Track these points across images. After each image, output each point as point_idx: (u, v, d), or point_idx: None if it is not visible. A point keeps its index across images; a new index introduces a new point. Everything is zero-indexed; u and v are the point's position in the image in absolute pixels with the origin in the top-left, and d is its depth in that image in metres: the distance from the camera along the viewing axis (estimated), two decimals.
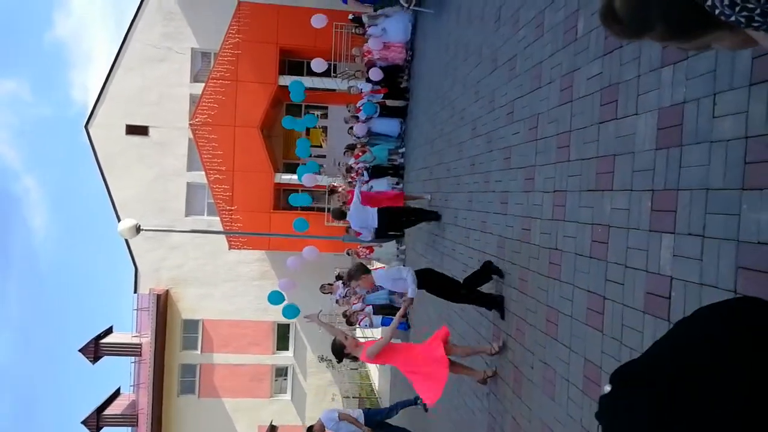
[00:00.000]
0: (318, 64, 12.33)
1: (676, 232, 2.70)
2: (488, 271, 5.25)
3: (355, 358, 6.35)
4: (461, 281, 5.42)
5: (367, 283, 5.61)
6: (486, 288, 5.39)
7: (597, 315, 3.32)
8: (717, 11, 0.77)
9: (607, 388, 0.86)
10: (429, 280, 5.40)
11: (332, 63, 15.69)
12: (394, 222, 8.51)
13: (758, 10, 0.73)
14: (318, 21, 12.06)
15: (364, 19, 12.27)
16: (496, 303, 5.10)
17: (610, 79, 3.34)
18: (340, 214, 8.95)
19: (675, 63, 2.78)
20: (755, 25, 0.76)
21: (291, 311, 10.93)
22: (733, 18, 0.76)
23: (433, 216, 8.16)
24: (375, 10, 12.95)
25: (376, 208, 8.06)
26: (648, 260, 2.89)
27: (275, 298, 10.90)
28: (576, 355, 3.56)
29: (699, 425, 0.73)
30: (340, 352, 5.36)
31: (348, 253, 14.40)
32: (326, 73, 13.87)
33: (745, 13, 0.75)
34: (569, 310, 3.68)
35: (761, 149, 2.25)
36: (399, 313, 5.23)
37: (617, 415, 0.83)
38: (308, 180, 12.38)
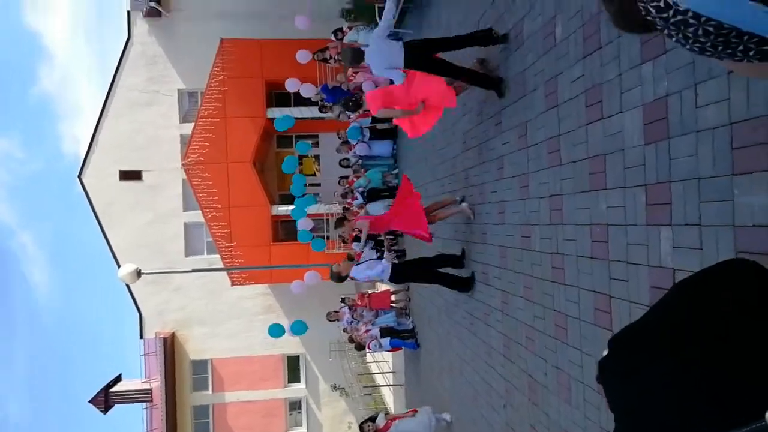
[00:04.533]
0: (307, 89, 12.47)
1: (673, 223, 2.72)
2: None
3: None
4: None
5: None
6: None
7: (605, 314, 3.32)
8: (674, 39, 0.83)
9: (605, 353, 0.89)
10: None
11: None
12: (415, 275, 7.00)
13: (709, 44, 0.79)
14: (303, 57, 12.25)
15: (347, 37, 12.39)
16: None
17: (593, 80, 3.40)
18: (339, 279, 6.99)
19: (654, 58, 2.83)
20: (707, 54, 0.82)
21: (299, 327, 10.72)
22: (688, 47, 0.82)
23: (458, 261, 6.53)
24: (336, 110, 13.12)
25: (390, 264, 6.61)
26: (649, 255, 2.90)
27: (276, 330, 10.79)
28: (588, 357, 3.55)
29: (686, 381, 0.74)
30: (341, 221, 6.19)
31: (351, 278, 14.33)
32: (314, 102, 13.99)
33: (698, 45, 0.80)
34: (577, 313, 3.68)
35: (746, 134, 2.28)
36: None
37: (615, 375, 0.85)
38: (304, 224, 12.43)
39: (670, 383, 0.78)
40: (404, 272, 6.90)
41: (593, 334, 3.46)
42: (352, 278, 6.90)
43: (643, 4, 0.81)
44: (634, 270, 3.03)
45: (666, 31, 0.82)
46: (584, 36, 3.50)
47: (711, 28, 0.76)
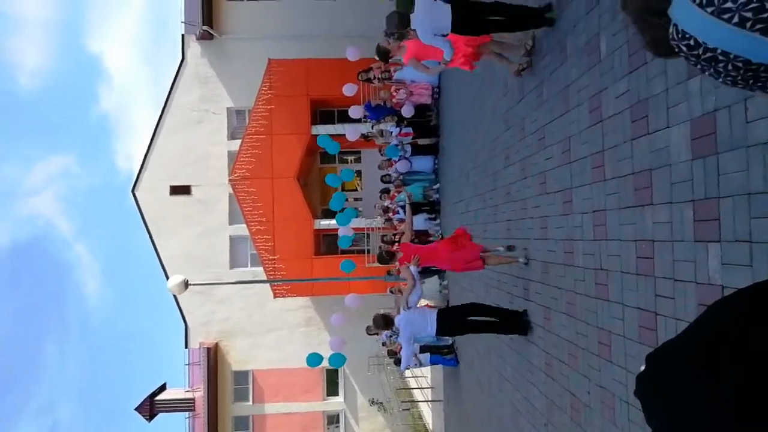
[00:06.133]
0: (355, 111, 12.79)
1: (722, 240, 2.67)
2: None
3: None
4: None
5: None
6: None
7: (650, 332, 3.26)
8: (707, 73, 0.87)
9: (642, 368, 0.91)
10: None
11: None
12: (464, 326, 6.27)
13: (739, 77, 0.83)
14: (349, 90, 12.56)
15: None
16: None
17: (639, 96, 3.38)
18: (385, 323, 6.44)
19: (702, 73, 2.81)
20: (739, 86, 0.86)
21: (338, 360, 10.84)
22: (720, 80, 0.86)
23: (516, 322, 5.80)
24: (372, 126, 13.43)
25: (435, 312, 6.11)
26: (696, 271, 2.85)
27: (314, 360, 10.75)
28: (633, 376, 3.47)
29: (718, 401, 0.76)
30: (385, 54, 5.85)
31: (391, 291, 14.40)
32: (357, 120, 14.26)
33: (729, 79, 0.85)
34: (621, 330, 3.62)
35: None
36: None
37: (652, 391, 0.87)
38: (345, 231, 12.82)
39: (702, 401, 0.80)
40: (453, 325, 6.21)
41: (638, 352, 3.40)
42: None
43: (675, 42, 0.85)
44: (681, 287, 2.97)
45: (698, 66, 0.87)
46: (629, 52, 3.50)
47: (740, 64, 0.80)
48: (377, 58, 11.78)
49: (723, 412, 0.75)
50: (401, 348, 11.00)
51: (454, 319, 6.12)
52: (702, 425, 0.79)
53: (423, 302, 13.57)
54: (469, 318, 6.14)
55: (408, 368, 10.36)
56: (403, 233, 10.76)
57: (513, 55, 5.55)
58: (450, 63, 5.30)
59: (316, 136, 17.23)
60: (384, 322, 6.42)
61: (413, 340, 6.41)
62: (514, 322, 5.76)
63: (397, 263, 6.77)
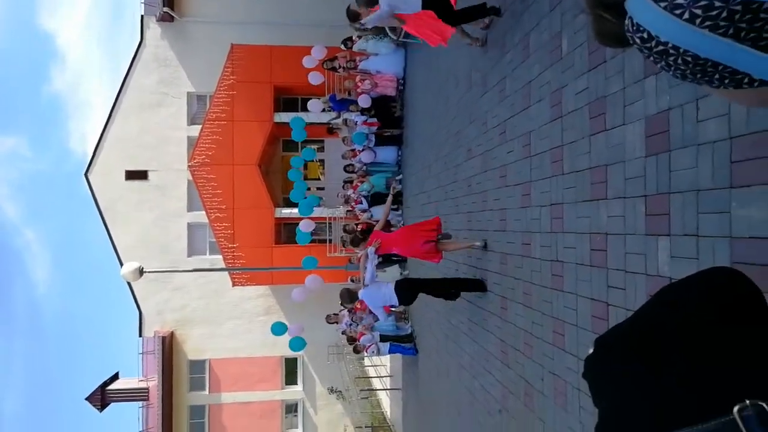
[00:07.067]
0: (315, 105, 12.69)
1: (672, 233, 2.79)
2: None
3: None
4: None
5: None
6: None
7: (602, 322, 3.38)
8: (658, 66, 0.93)
9: (591, 350, 0.95)
10: None
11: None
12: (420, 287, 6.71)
13: (688, 71, 0.89)
14: (309, 62, 12.44)
15: (356, 47, 12.52)
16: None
17: (597, 93, 3.48)
18: (350, 297, 6.88)
19: (657, 73, 2.91)
20: (688, 80, 0.93)
21: (298, 343, 10.95)
22: (671, 73, 0.91)
23: (477, 286, 6.11)
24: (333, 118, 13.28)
25: (393, 284, 6.45)
26: (647, 263, 2.97)
27: (278, 328, 10.92)
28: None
29: (660, 386, 0.80)
30: (355, 16, 5.92)
31: (352, 280, 14.42)
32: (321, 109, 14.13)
33: (679, 72, 0.91)
34: (574, 320, 3.74)
35: (745, 148, 2.36)
36: None
37: (601, 373, 0.92)
38: (305, 226, 12.79)
39: (639, 390, 0.84)
40: (410, 289, 6.59)
41: (590, 340, 3.51)
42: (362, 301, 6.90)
43: (630, 34, 0.89)
44: (631, 278, 3.09)
45: (651, 59, 0.91)
46: (589, 50, 3.59)
47: (689, 59, 0.85)
48: (344, 47, 11.65)
49: (660, 402, 0.79)
50: (362, 335, 11.15)
51: (411, 285, 6.69)
52: (639, 413, 0.83)
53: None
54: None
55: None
56: (365, 223, 10.86)
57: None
58: (418, 32, 5.46)
59: (279, 123, 17.06)
60: (349, 295, 6.91)
61: (382, 305, 6.80)
62: (472, 284, 6.12)
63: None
